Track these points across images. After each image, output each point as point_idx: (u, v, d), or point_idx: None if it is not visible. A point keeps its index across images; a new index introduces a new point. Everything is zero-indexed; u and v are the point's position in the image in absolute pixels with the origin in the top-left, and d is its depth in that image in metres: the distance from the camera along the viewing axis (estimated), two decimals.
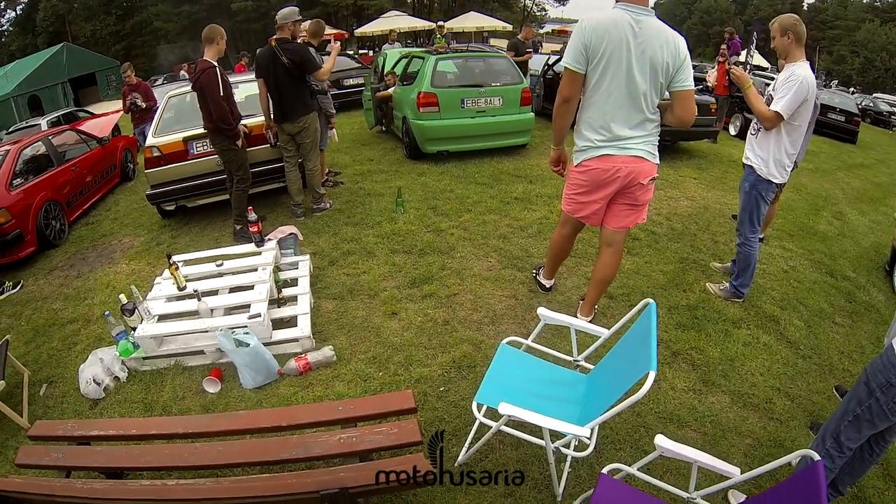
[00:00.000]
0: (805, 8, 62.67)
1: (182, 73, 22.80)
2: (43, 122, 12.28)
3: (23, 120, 20.48)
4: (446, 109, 7.39)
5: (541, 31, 49.99)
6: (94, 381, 3.51)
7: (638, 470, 2.17)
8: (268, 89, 5.50)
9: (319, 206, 6.00)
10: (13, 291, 5.28)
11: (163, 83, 25.49)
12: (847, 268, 5.10)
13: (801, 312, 4.23)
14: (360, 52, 31.17)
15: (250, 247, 4.56)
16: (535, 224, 5.44)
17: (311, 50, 6.20)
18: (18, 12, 48.27)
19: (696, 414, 3.08)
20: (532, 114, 8.06)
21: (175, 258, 4.28)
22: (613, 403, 2.05)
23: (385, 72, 9.85)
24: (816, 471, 1.64)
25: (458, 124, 7.47)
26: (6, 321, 4.77)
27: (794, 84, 3.57)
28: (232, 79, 5.81)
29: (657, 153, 3.17)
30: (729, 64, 3.99)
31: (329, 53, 5.93)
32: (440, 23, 21.82)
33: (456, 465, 2.70)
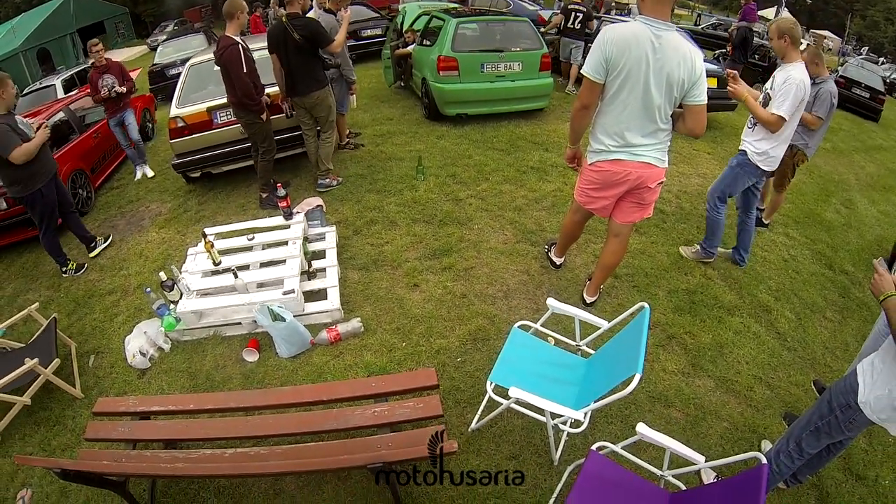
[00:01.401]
0: None
1: (196, 24, 22.34)
2: (57, 82, 12.13)
3: (34, 76, 20.35)
4: (466, 73, 7.43)
5: None
6: (140, 352, 3.82)
7: (622, 448, 2.52)
8: (281, 64, 5.43)
9: (324, 181, 5.97)
10: (105, 245, 5.61)
11: (174, 29, 25.19)
12: (847, 261, 5.19)
13: (794, 304, 4.38)
14: None
15: (279, 220, 4.76)
16: (550, 196, 5.59)
17: (331, 17, 6.20)
18: None
19: (682, 396, 3.35)
20: (550, 79, 8.05)
21: (208, 231, 4.49)
22: (604, 395, 2.37)
23: (404, 29, 9.80)
24: (760, 473, 1.92)
25: (477, 88, 7.52)
26: (46, 293, 5.01)
27: (792, 87, 3.80)
28: (254, 45, 5.81)
29: (666, 158, 3.34)
30: (728, 76, 4.10)
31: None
32: None
33: (469, 429, 3.04)
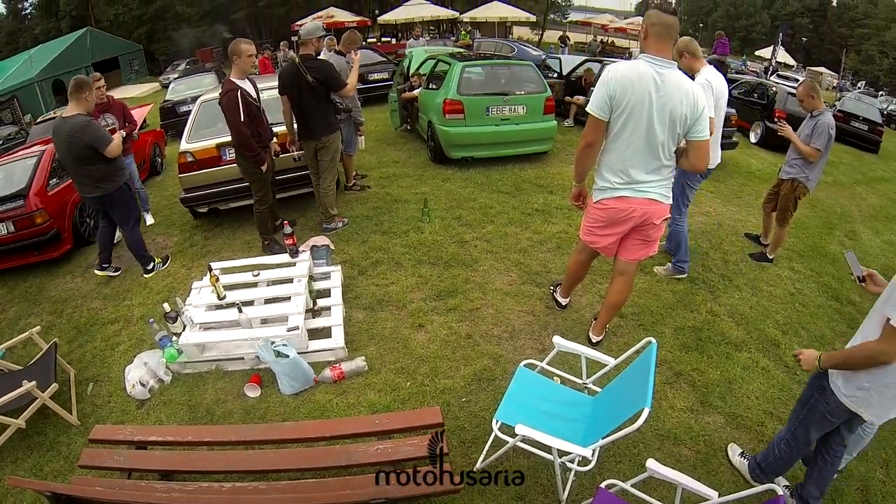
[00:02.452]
0: (834, 4, 61.79)
1: (208, 64, 22.95)
2: None
3: (48, 106, 20.77)
4: (471, 117, 7.56)
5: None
6: (140, 383, 3.78)
7: (632, 486, 2.49)
8: (292, 105, 5.45)
9: (330, 225, 5.96)
10: (163, 268, 5.69)
11: (185, 67, 25.80)
12: (853, 292, 5.21)
13: (803, 337, 4.37)
14: (384, 39, 31.12)
15: (285, 257, 4.79)
16: (555, 238, 5.63)
17: (342, 59, 6.33)
18: None
19: (691, 433, 3.30)
20: (554, 122, 8.20)
21: (213, 266, 4.51)
22: (612, 430, 2.33)
23: (411, 73, 10.00)
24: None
25: (482, 131, 7.64)
26: (48, 318, 5.03)
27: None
28: (261, 84, 5.82)
29: (671, 194, 3.38)
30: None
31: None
32: (465, 20, 21.83)
33: (475, 469, 2.98)
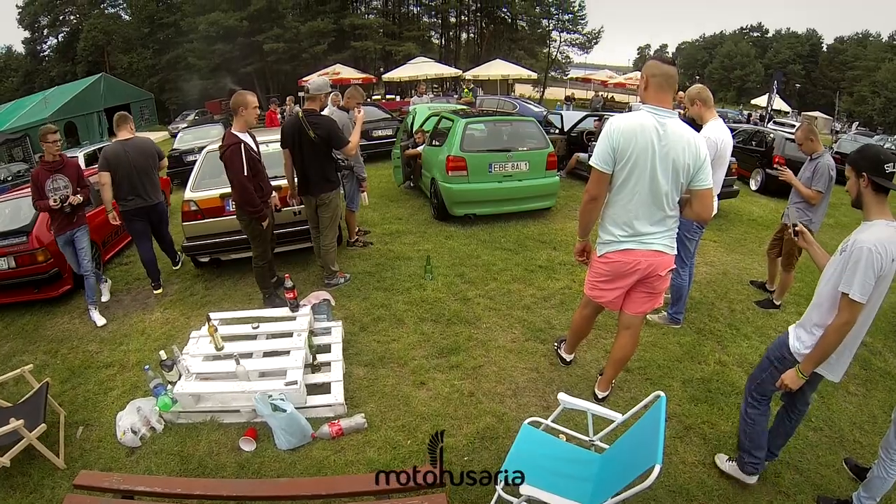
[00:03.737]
0: (824, 49, 63.98)
1: (217, 116, 23.52)
2: (80, 155, 12.66)
3: (60, 147, 21.15)
4: (474, 173, 7.63)
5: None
6: (131, 430, 3.69)
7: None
8: (293, 160, 5.46)
9: (332, 281, 5.91)
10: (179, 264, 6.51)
11: (194, 118, 26.36)
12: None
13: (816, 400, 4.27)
14: (388, 96, 31.84)
15: (285, 311, 4.74)
16: (558, 294, 5.60)
17: (345, 115, 6.39)
18: (60, 40, 50.33)
19: (705, 488, 3.20)
20: (557, 177, 8.29)
21: (213, 316, 4.47)
22: (621, 489, 2.24)
23: (414, 129, 10.16)
24: None
25: (485, 188, 7.71)
26: (42, 357, 5.00)
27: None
28: (263, 137, 5.97)
29: (675, 245, 3.38)
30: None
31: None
32: (467, 79, 22.43)
33: None
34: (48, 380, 4.03)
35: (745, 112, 33.39)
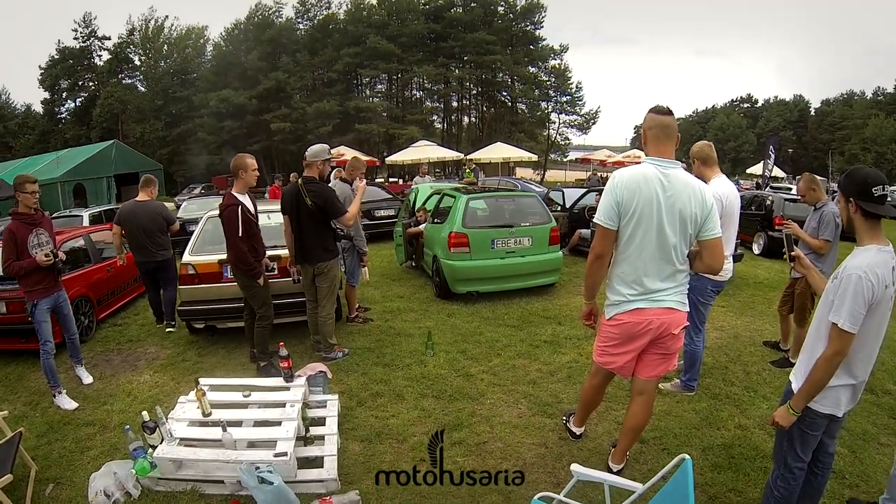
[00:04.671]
0: (812, 113, 65.47)
1: (223, 190, 24.01)
2: (85, 216, 12.84)
3: (66, 206, 21.47)
4: (477, 250, 7.56)
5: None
6: (104, 492, 3.47)
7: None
8: (291, 227, 5.43)
9: (329, 355, 5.68)
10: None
11: (201, 192, 26.82)
12: (887, 381, 4.96)
13: (844, 438, 4.05)
14: (391, 180, 32.37)
15: (279, 381, 4.52)
16: (565, 368, 5.41)
17: (347, 186, 6.36)
18: (78, 104, 52.49)
19: None
20: (560, 253, 8.25)
21: (202, 381, 4.27)
22: None
23: (416, 208, 10.17)
24: None
25: (488, 265, 7.61)
26: (21, 408, 4.89)
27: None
28: (265, 206, 5.98)
29: (687, 301, 3.23)
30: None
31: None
32: (469, 159, 22.90)
33: None
34: (22, 429, 3.87)
35: (741, 181, 34.02)
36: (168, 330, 6.88)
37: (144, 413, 3.87)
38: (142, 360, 5.98)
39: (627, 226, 3.03)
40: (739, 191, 11.47)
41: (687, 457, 2.30)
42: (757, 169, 35.51)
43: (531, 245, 7.85)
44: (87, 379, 5.40)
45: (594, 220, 3.16)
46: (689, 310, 4.28)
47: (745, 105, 72.95)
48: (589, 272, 3.25)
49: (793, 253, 3.01)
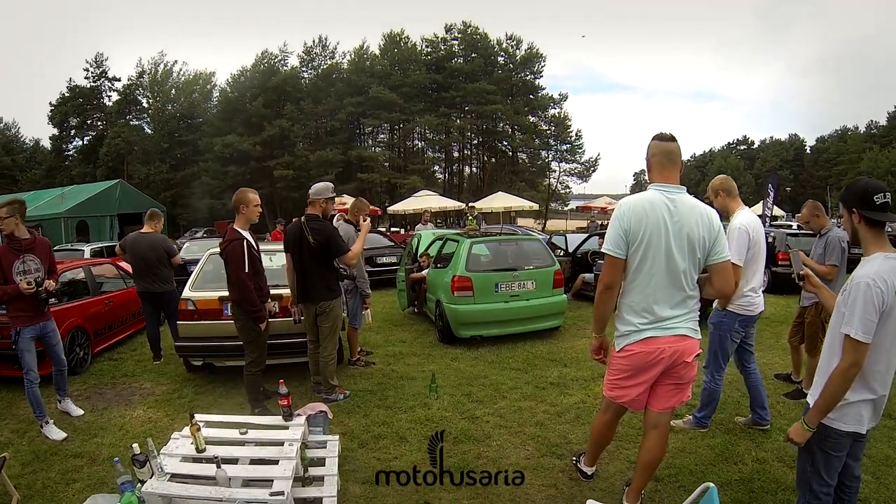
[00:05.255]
0: (808, 152, 66.54)
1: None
2: (86, 250, 13.02)
3: (69, 240, 21.56)
4: (480, 294, 7.50)
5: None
6: None
7: None
8: (293, 265, 5.36)
9: (330, 396, 5.49)
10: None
11: (202, 235, 26.93)
12: None
13: (866, 464, 3.89)
14: (393, 229, 32.49)
15: (278, 419, 4.37)
16: (573, 409, 5.27)
17: (351, 228, 6.28)
18: (85, 142, 53.35)
19: None
20: (564, 296, 8.19)
21: (198, 417, 4.12)
22: None
23: (419, 253, 10.13)
24: None
25: (492, 308, 7.54)
26: (8, 435, 4.82)
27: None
28: (266, 247, 5.94)
29: (699, 328, 3.15)
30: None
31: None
32: (471, 205, 23.01)
33: None
34: (6, 455, 3.76)
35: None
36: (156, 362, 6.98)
37: (135, 445, 3.70)
38: (136, 395, 5.86)
39: (636, 253, 2.98)
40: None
41: (711, 485, 2.22)
42: (757, 209, 35.86)
43: (535, 288, 7.80)
44: (76, 412, 5.24)
45: (602, 249, 3.11)
46: (713, 347, 4.20)
47: (742, 147, 74.71)
48: (598, 303, 3.18)
49: (801, 272, 2.98)
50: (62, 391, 5.28)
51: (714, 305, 4.42)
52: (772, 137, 71.63)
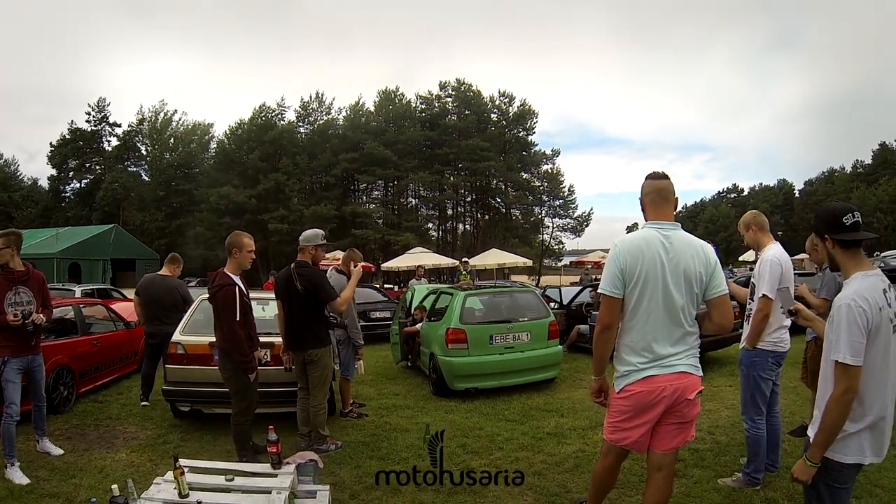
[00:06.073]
0: (797, 195, 67.64)
1: None
2: (77, 290, 13.04)
3: (61, 281, 21.48)
4: (475, 346, 7.45)
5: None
6: None
7: None
8: (283, 312, 5.30)
9: (322, 447, 5.31)
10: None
11: (194, 286, 26.87)
12: None
13: (880, 496, 3.88)
14: (386, 286, 32.44)
15: (266, 466, 4.22)
16: (571, 458, 5.12)
17: (343, 278, 6.24)
18: (83, 185, 54.06)
19: None
20: (559, 347, 8.16)
21: (182, 461, 3.97)
22: None
23: (413, 307, 10.10)
24: None
25: (487, 361, 7.48)
26: None
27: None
28: (259, 295, 5.97)
29: (700, 365, 3.09)
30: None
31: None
32: (465, 259, 23.07)
33: None
34: None
35: (734, 270, 34.42)
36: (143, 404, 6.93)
37: (114, 487, 3.56)
38: (119, 438, 5.70)
39: (633, 292, 2.95)
40: (732, 276, 11.46)
41: None
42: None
43: (530, 340, 7.76)
44: (56, 451, 5.07)
45: (599, 290, 3.09)
46: (749, 390, 4.17)
47: (732, 195, 76.00)
48: (597, 344, 3.14)
49: (791, 308, 3.00)
50: (41, 430, 5.10)
51: (742, 346, 4.33)
52: (761, 184, 73.75)
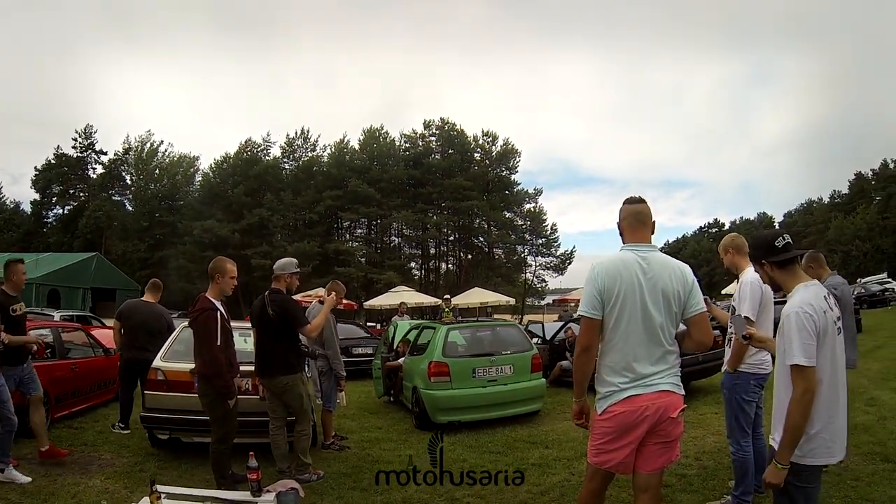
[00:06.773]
0: (777, 227, 67.42)
1: None
2: (56, 315, 12.92)
3: (38, 307, 21.03)
4: (458, 379, 7.44)
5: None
6: None
7: None
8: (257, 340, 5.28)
9: (303, 476, 5.20)
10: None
11: (177, 317, 26.50)
12: None
13: None
14: (369, 324, 32.21)
15: (245, 494, 4.13)
16: (557, 488, 5.03)
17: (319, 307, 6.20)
18: (66, 211, 53.29)
19: None
20: (543, 380, 8.17)
21: (159, 487, 3.89)
22: None
23: (396, 342, 10.09)
24: None
25: (469, 394, 7.47)
26: None
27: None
28: (240, 325, 5.92)
29: (682, 384, 3.10)
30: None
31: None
32: (447, 297, 23.09)
33: None
34: None
35: (717, 302, 34.65)
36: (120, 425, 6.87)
37: None
38: (94, 465, 5.56)
39: (612, 313, 2.98)
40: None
41: None
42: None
43: (513, 373, 7.77)
44: (22, 479, 4.88)
45: (578, 312, 3.14)
46: (733, 413, 4.19)
47: (714, 230, 76.89)
48: (577, 366, 3.16)
49: (744, 333, 3.09)
50: (5, 457, 4.92)
51: (724, 369, 4.38)
52: (741, 218, 74.63)
